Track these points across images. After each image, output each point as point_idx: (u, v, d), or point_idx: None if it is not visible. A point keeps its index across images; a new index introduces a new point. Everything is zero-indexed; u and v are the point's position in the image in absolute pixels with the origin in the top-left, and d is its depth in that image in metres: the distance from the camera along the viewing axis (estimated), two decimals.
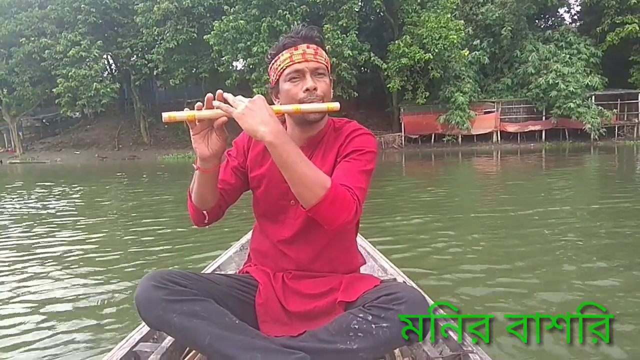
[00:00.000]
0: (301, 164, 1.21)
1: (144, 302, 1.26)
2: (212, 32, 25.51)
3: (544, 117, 27.45)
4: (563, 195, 8.16)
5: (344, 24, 24.74)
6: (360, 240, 2.46)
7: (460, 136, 27.59)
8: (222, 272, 2.17)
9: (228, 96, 1.24)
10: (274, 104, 1.44)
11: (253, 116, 1.19)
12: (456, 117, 26.32)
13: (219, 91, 1.25)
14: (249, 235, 2.43)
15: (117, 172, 18.85)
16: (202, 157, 1.32)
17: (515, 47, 27.60)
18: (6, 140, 38.06)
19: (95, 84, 29.11)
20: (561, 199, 7.66)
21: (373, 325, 1.21)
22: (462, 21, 26.05)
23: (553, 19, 31.90)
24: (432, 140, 28.23)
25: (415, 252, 4.36)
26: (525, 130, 27.82)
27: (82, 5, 29.61)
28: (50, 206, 8.59)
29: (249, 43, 24.71)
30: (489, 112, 28.03)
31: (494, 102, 27.99)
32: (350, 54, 24.25)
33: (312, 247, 1.48)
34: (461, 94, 26.12)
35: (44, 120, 41.07)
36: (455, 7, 27.15)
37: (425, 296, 1.34)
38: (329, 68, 1.46)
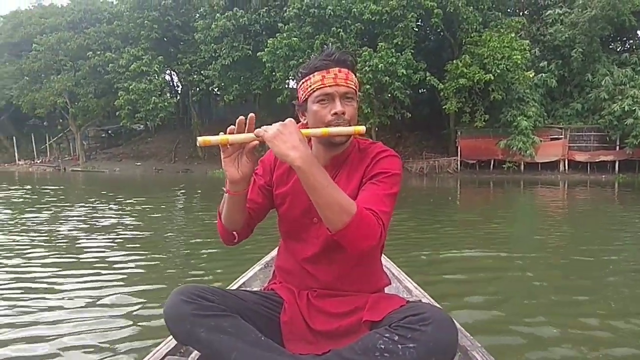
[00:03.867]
0: (329, 189, 1.23)
1: (173, 316, 1.30)
2: (265, 50, 25.45)
3: (617, 147, 25.10)
4: None
5: (399, 43, 23.89)
6: (385, 261, 2.40)
7: (522, 163, 25.74)
8: (247, 289, 2.09)
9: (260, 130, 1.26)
10: (299, 121, 1.45)
11: (284, 140, 1.21)
12: (518, 143, 24.57)
13: (251, 114, 1.28)
14: (273, 253, 2.52)
15: (173, 187, 18.71)
16: (232, 180, 1.35)
17: (587, 70, 25.53)
18: (71, 148, 39.95)
19: (153, 98, 29.89)
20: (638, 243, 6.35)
21: (399, 346, 1.20)
22: (528, 41, 24.49)
23: (631, 41, 29.35)
24: (491, 166, 26.51)
25: (461, 287, 4.00)
26: (596, 160, 25.52)
27: (146, 22, 30.65)
28: (97, 216, 8.46)
29: (301, 60, 24.34)
30: (556, 139, 26.00)
31: (561, 128, 25.96)
32: (405, 73, 23.29)
33: (336, 266, 1.48)
34: (525, 118, 24.40)
35: (109, 132, 42.91)
36: (520, 26, 25.68)
37: (452, 318, 1.29)
38: (357, 92, 1.47)
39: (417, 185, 20.82)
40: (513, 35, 24.18)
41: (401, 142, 30.86)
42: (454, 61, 24.40)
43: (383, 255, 1.77)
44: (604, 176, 24.41)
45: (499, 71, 22.96)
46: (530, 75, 24.30)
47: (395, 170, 1.43)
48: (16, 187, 16.60)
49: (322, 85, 1.40)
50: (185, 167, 33.29)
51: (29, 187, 17.01)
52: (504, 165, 25.73)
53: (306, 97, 1.44)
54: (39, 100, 33.13)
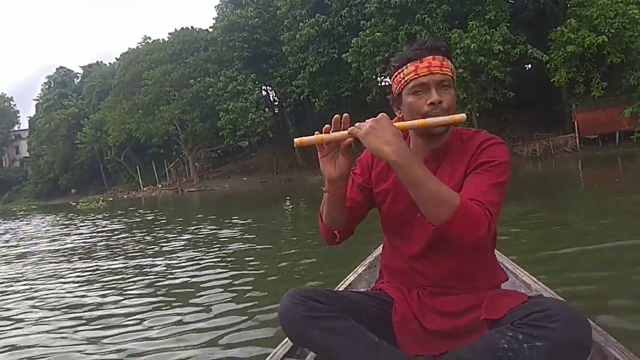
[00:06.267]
0: (427, 182, 1.20)
1: (286, 318, 1.33)
2: (350, 50, 25.07)
3: None
4: None
5: (492, 17, 22.17)
6: (497, 256, 2.12)
7: None
8: (354, 290, 2.06)
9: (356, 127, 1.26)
10: (395, 115, 1.44)
11: (377, 136, 1.20)
12: None
13: (346, 114, 1.29)
14: (376, 253, 2.49)
15: (278, 198, 19.00)
16: (330, 179, 1.36)
17: None
18: (187, 171, 43.06)
19: (250, 114, 31.08)
20: None
21: (525, 345, 1.13)
22: None
23: None
24: (617, 139, 23.31)
25: (600, 285, 3.17)
26: None
27: (237, 43, 32.10)
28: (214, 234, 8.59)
29: (387, 55, 23.60)
30: None
31: None
32: (502, 49, 21.49)
33: (445, 262, 1.43)
34: None
35: (218, 151, 45.65)
36: None
37: (582, 313, 1.21)
38: (455, 78, 1.41)
39: (531, 169, 18.91)
40: None
41: (508, 126, 28.51)
42: (558, 28, 21.96)
43: (495, 250, 1.70)
44: None
45: (613, 31, 20.39)
46: None
47: (502, 158, 1.35)
48: (141, 211, 17.92)
49: (416, 76, 1.35)
50: (287, 177, 34.06)
51: (156, 210, 18.31)
52: (631, 137, 22.48)
53: (400, 89, 1.40)
54: (153, 130, 36.21)
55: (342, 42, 27.70)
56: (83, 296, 4.36)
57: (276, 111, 41.85)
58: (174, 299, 3.93)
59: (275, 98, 41.33)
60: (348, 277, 2.33)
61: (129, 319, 3.43)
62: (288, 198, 16.13)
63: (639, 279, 3.21)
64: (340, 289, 2.06)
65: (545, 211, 7.12)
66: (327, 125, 1.29)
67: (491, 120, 28.03)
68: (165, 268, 5.40)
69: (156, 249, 7.05)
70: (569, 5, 22.74)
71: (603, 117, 23.21)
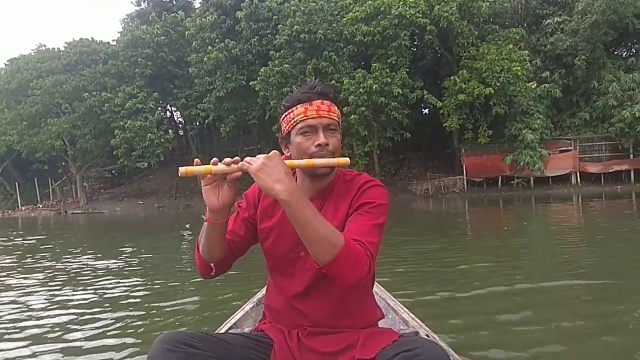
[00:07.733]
0: (315, 222, 1.21)
1: None
2: (258, 79, 24.96)
3: (631, 155, 23.92)
4: None
5: (394, 62, 23.32)
6: (379, 291, 2.37)
7: (531, 178, 24.62)
8: (238, 330, 2.05)
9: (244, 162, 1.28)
10: (283, 153, 1.46)
11: (269, 173, 1.21)
12: (525, 157, 23.55)
13: (236, 158, 1.30)
14: (264, 289, 2.30)
15: (173, 226, 17.84)
16: (211, 209, 1.33)
17: (592, 78, 24.58)
18: (74, 191, 39.59)
19: (149, 134, 29.44)
20: None
21: None
22: (527, 52, 23.70)
23: (637, 45, 28.38)
24: (499, 183, 25.37)
25: (469, 327, 3.43)
26: (610, 171, 24.29)
27: (140, 60, 30.51)
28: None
29: (294, 87, 23.76)
30: (565, 151, 24.92)
31: (570, 140, 24.89)
32: (401, 92, 22.59)
33: (326, 302, 1.45)
34: (530, 131, 23.44)
35: (112, 172, 42.60)
36: (519, 37, 24.98)
37: (449, 350, 1.33)
38: (340, 123, 1.48)
39: (423, 207, 19.80)
40: (511, 46, 23.51)
41: (405, 164, 29.94)
42: (452, 77, 23.66)
43: (378, 285, 1.75)
44: (619, 187, 23.11)
45: (499, 84, 22.24)
46: (533, 87, 23.42)
47: (381, 200, 1.41)
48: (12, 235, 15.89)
49: (305, 117, 1.40)
50: (187, 202, 32.58)
51: (26, 233, 16.31)
52: (512, 182, 24.59)
53: (289, 129, 1.44)
54: (37, 144, 32.88)
55: (251, 69, 27.49)
56: None
57: (181, 133, 40.26)
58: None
59: (181, 120, 39.87)
60: (234, 315, 2.28)
61: None
62: (187, 225, 15.27)
63: (506, 324, 3.43)
64: (224, 329, 2.02)
65: (430, 251, 7.33)
66: (215, 159, 1.27)
67: (390, 158, 29.28)
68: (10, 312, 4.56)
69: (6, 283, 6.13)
70: (462, 58, 24.60)
71: (488, 163, 25.22)
